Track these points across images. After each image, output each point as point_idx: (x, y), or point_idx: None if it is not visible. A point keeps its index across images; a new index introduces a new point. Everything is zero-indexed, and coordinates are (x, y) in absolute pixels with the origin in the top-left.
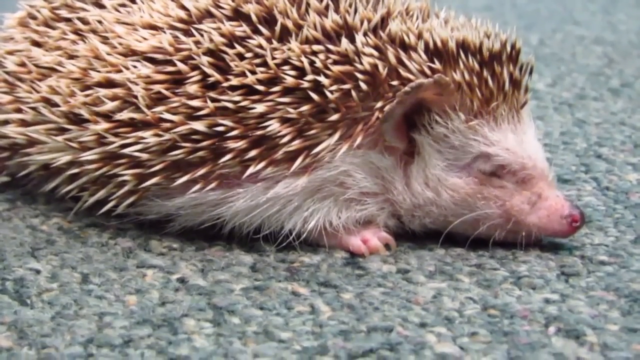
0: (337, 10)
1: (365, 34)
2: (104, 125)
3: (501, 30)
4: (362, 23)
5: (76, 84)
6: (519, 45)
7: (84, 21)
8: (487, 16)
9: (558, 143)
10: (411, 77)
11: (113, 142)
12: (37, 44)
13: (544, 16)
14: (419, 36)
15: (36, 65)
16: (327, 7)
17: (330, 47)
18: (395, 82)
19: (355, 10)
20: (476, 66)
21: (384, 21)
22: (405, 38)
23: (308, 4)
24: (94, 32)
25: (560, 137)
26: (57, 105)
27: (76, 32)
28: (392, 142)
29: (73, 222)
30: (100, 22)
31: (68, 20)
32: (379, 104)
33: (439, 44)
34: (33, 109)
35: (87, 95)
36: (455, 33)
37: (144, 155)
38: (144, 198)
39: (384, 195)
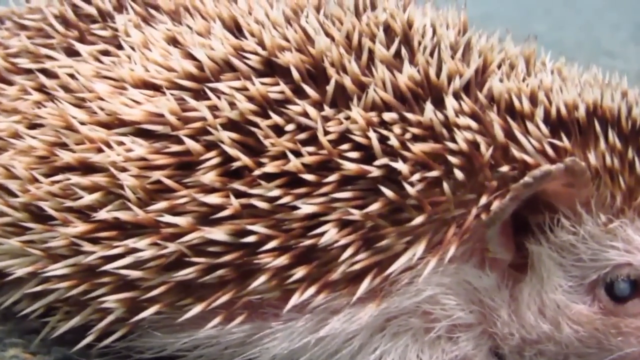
0: (413, 61)
1: (456, 96)
2: (78, 227)
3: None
4: (450, 80)
5: (39, 166)
6: None
7: (51, 74)
8: None
9: None
10: (528, 159)
11: (91, 253)
12: None
13: (570, 47)
14: (533, 99)
15: None
16: (398, 56)
17: (408, 115)
18: (504, 168)
19: (440, 61)
20: (618, 143)
21: (479, 76)
22: (516, 102)
23: (371, 52)
24: (64, 89)
25: None
26: (14, 195)
27: (40, 89)
28: (497, 253)
29: (38, 355)
30: (73, 76)
31: (29, 72)
32: (483, 200)
33: (562, 110)
34: None
35: (54, 183)
36: (585, 94)
37: (137, 273)
38: (139, 329)
39: (482, 326)
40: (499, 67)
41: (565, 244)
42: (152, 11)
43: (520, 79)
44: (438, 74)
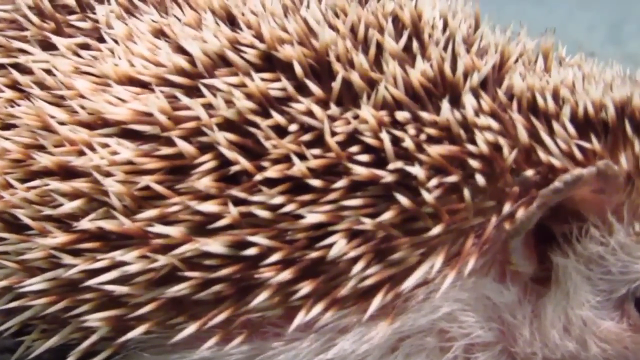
0: (425, 55)
1: (475, 94)
2: (58, 238)
3: None
4: (466, 76)
5: (14, 170)
6: None
7: (25, 70)
8: None
9: None
10: (554, 162)
11: (72, 266)
12: None
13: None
14: (557, 96)
15: None
16: (408, 51)
17: (423, 115)
18: (529, 172)
19: (454, 56)
20: None
21: (496, 72)
22: (539, 100)
23: (379, 45)
24: (40, 86)
25: None
26: None
27: (14, 86)
28: (520, 265)
29: None
30: (49, 71)
31: (1, 67)
32: (506, 208)
33: (590, 109)
34: None
35: (30, 189)
36: (612, 92)
37: (123, 289)
38: (126, 350)
39: (501, 345)
40: (516, 62)
41: (594, 256)
42: (136, 1)
43: (540, 75)
44: (453, 70)
